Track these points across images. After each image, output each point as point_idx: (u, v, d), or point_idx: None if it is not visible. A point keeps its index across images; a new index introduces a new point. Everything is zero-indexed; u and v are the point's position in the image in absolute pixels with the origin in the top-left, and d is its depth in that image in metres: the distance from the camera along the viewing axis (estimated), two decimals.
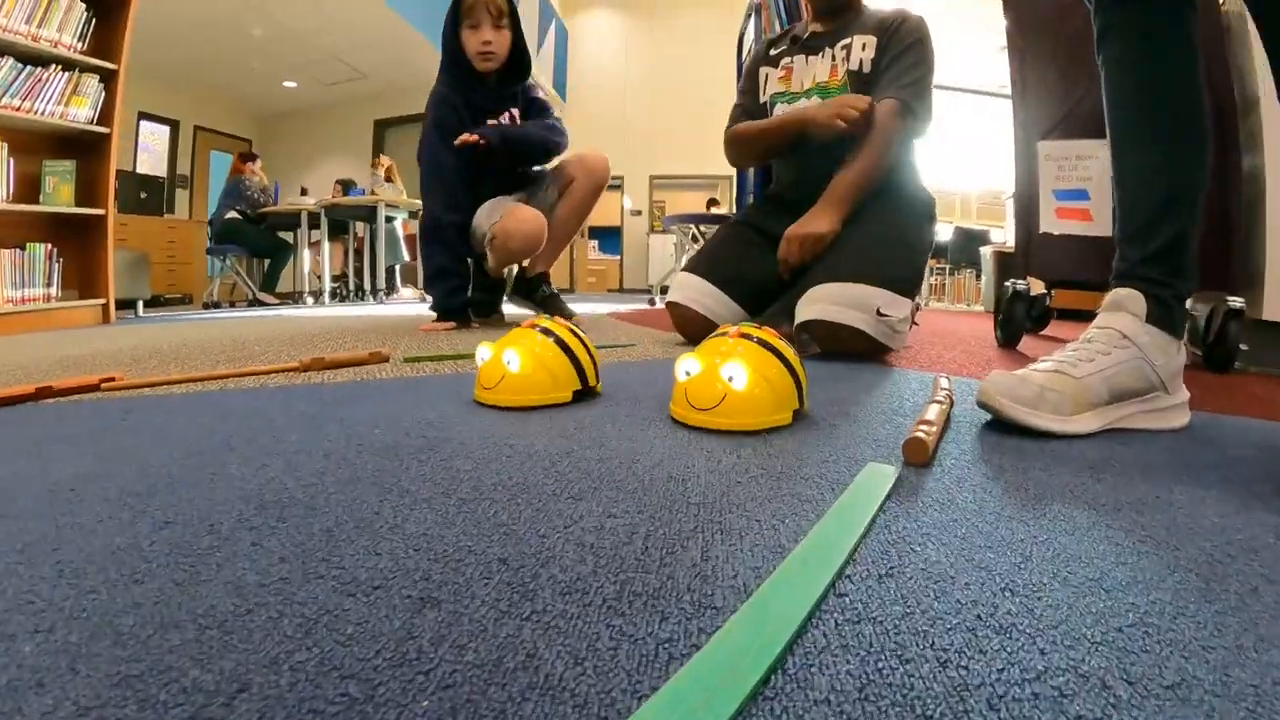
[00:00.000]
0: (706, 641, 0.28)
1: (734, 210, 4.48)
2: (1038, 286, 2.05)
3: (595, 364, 0.92)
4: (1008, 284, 1.89)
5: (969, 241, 5.34)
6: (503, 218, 1.99)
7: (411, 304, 4.71)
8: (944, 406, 0.75)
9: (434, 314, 2.13)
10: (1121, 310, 0.79)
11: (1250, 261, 1.49)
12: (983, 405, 0.75)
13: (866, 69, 1.54)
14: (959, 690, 0.26)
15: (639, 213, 9.75)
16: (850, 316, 1.27)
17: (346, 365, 1.21)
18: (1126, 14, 0.82)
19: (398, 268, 5.71)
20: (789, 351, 0.76)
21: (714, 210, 7.16)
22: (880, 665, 0.27)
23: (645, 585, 0.35)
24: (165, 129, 7.68)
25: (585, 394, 0.90)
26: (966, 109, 6.02)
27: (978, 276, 4.69)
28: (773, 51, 1.72)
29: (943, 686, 0.26)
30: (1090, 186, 1.83)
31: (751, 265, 1.56)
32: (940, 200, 1.69)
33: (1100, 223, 1.80)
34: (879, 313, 1.28)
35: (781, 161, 1.72)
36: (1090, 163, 1.81)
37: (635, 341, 1.68)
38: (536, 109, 2.15)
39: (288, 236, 5.89)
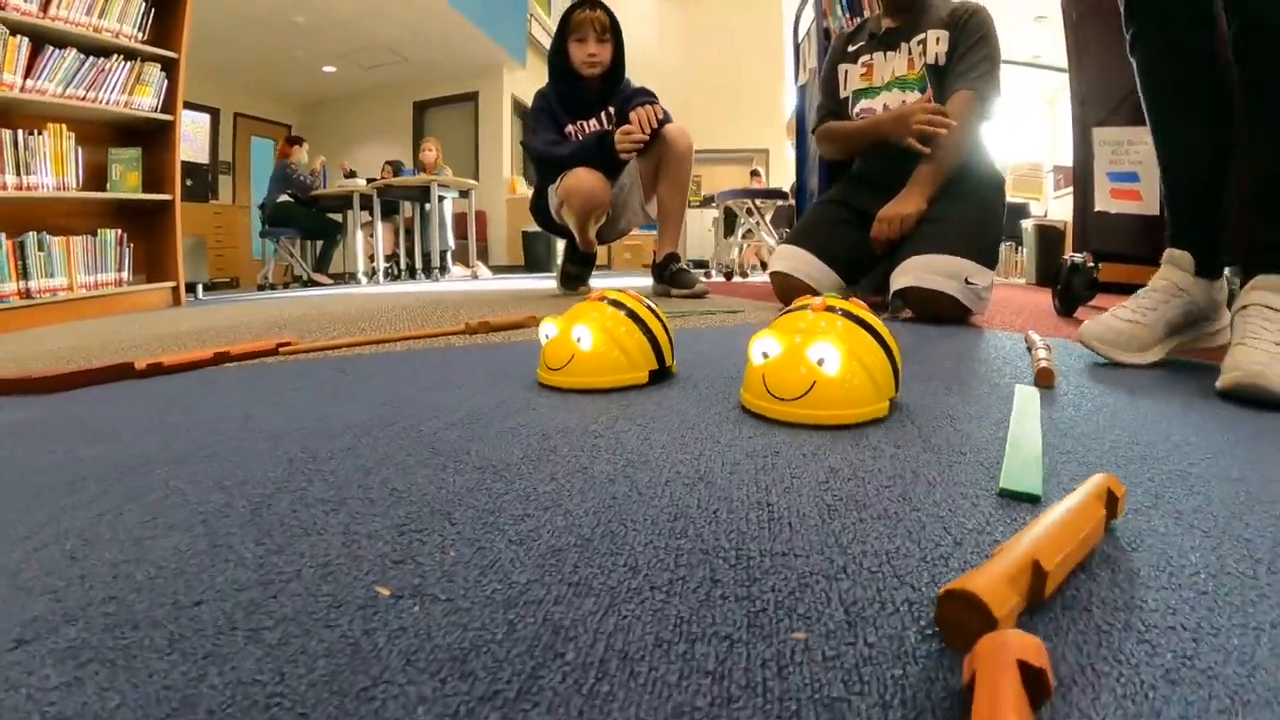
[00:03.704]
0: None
1: (789, 186, 4.60)
2: (1088, 260, 2.21)
3: (671, 341, 0.84)
4: (1066, 257, 2.06)
5: (1009, 215, 5.44)
6: (561, 179, 2.23)
7: (467, 282, 4.91)
8: (1049, 352, 0.95)
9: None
10: (1175, 266, 1.00)
11: None
12: (1083, 344, 0.98)
13: (941, 61, 1.71)
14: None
15: None
16: (942, 284, 1.45)
17: (506, 328, 1.40)
18: (1153, 25, 0.99)
19: (449, 252, 5.90)
20: (883, 328, 0.66)
21: (756, 183, 7.24)
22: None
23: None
24: (206, 117, 7.87)
25: (661, 374, 0.82)
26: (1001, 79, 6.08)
27: (1017, 249, 4.80)
28: (850, 48, 1.89)
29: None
30: (1141, 170, 1.99)
31: (845, 239, 1.74)
32: None
33: (1149, 202, 1.96)
34: (967, 281, 1.46)
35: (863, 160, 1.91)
36: (1141, 148, 1.97)
37: (741, 308, 1.88)
38: (634, 92, 2.34)
39: (337, 218, 6.12)
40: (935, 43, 1.72)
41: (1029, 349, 1.05)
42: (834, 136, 1.89)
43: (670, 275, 2.32)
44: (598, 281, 2.73)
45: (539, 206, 2.43)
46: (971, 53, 1.68)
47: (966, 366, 0.96)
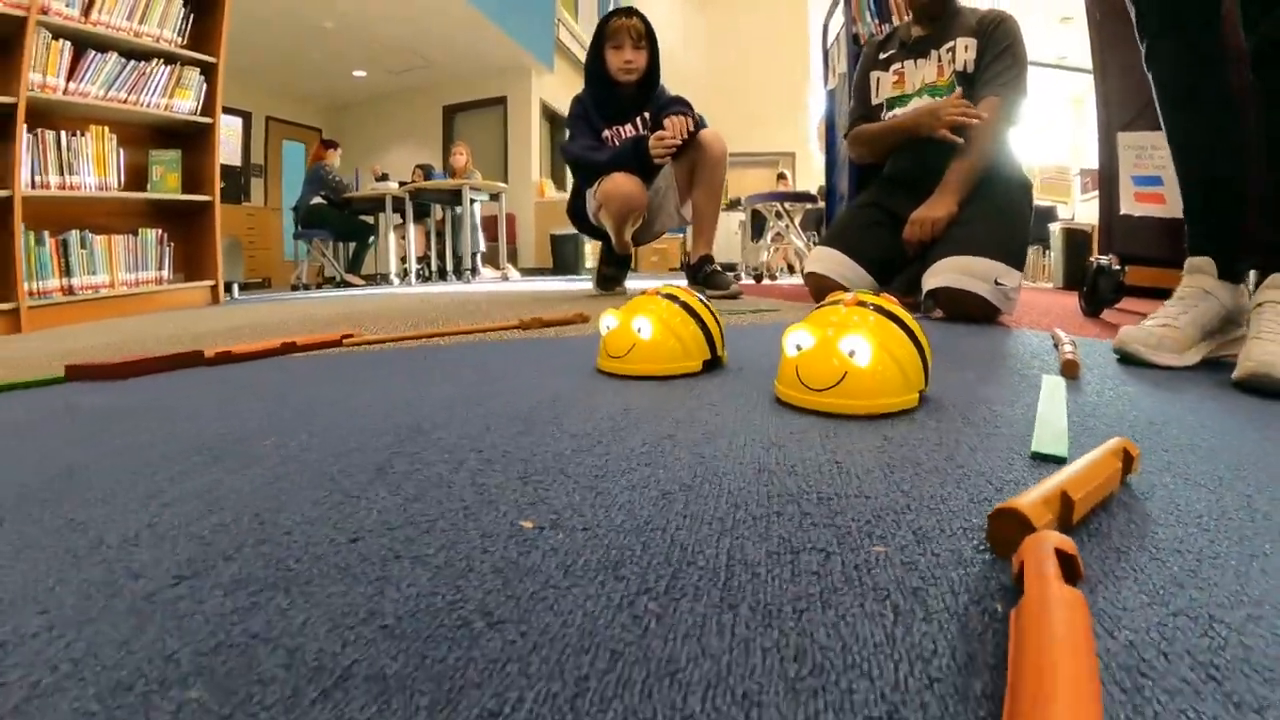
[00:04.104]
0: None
1: (816, 189, 4.66)
2: (1115, 263, 2.26)
3: (722, 333, 0.90)
4: (1093, 260, 2.11)
5: (1036, 219, 5.47)
6: (600, 184, 2.32)
7: (499, 284, 5.01)
8: (1075, 347, 1.01)
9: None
10: (1199, 273, 1.05)
11: None
12: (1120, 350, 1.01)
13: (970, 69, 1.77)
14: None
15: None
16: (973, 284, 1.52)
17: (558, 324, 1.48)
18: (1166, 33, 1.06)
19: (479, 254, 6.01)
20: (914, 322, 0.68)
21: (783, 186, 7.30)
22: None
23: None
24: (239, 120, 8.05)
25: (713, 364, 0.89)
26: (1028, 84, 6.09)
27: (1044, 253, 4.82)
28: (881, 56, 1.96)
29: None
30: (1164, 174, 2.03)
31: (878, 241, 1.81)
32: None
33: (1173, 206, 2.00)
34: (996, 281, 1.52)
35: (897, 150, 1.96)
36: (1164, 152, 1.99)
37: (777, 306, 1.95)
38: (670, 100, 2.42)
39: (369, 220, 6.25)
40: (964, 50, 1.78)
41: (1055, 345, 1.11)
42: (866, 138, 1.96)
43: (705, 276, 2.40)
44: (628, 284, 2.82)
45: (576, 209, 2.52)
46: (999, 60, 1.74)
47: (997, 360, 1.02)
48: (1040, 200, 6.11)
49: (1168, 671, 0.25)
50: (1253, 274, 1.07)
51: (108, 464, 0.54)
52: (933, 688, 0.24)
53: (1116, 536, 0.37)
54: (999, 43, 1.76)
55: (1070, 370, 0.86)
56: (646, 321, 0.82)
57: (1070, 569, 0.28)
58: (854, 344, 0.62)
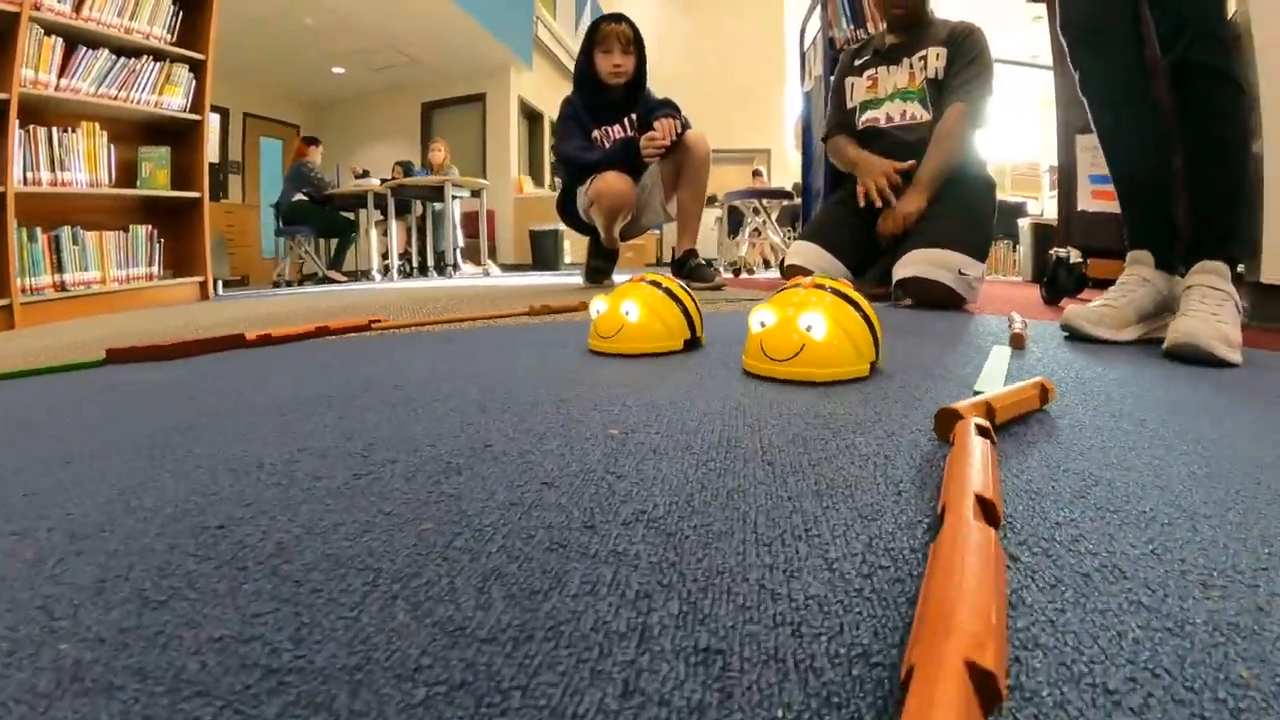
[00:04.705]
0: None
1: (792, 185, 4.81)
2: (1076, 256, 2.41)
3: (701, 316, 0.97)
4: (1053, 252, 2.25)
5: (1006, 214, 5.67)
6: (592, 182, 2.43)
7: (481, 279, 5.08)
8: (1024, 324, 1.13)
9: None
10: (1138, 263, 1.18)
11: (1252, 231, 1.83)
12: (1065, 325, 1.15)
13: (941, 76, 1.90)
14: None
15: None
16: (939, 274, 1.65)
17: (563, 311, 1.58)
18: (1096, 66, 1.20)
19: (459, 250, 6.07)
20: (865, 303, 0.75)
21: (758, 183, 7.46)
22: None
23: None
24: (216, 117, 8.02)
25: (693, 344, 0.96)
26: (1000, 80, 6.27)
27: (1014, 248, 4.99)
28: (856, 62, 2.09)
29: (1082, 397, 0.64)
30: None
31: (852, 235, 1.95)
32: None
33: None
34: (960, 272, 1.65)
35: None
36: None
37: (759, 296, 2.07)
38: (658, 103, 2.54)
39: (349, 216, 6.30)
40: (935, 59, 1.91)
41: (1010, 324, 1.23)
42: (838, 156, 2.11)
43: (690, 270, 2.52)
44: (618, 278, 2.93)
45: (566, 205, 2.63)
46: (967, 69, 1.87)
47: (956, 337, 1.15)
48: (1011, 196, 6.32)
49: (1054, 491, 0.39)
50: None
51: (215, 420, 0.61)
52: (900, 497, 0.38)
53: (1027, 434, 0.50)
54: (967, 54, 1.89)
55: (1017, 342, 0.98)
56: (634, 305, 0.89)
57: (989, 435, 0.39)
58: (811, 320, 0.70)
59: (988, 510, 0.28)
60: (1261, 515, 0.36)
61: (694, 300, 0.96)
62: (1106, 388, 0.70)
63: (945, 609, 0.20)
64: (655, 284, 0.94)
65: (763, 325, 0.74)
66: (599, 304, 0.93)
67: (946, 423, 0.45)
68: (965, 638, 0.18)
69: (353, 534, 0.34)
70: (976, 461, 0.33)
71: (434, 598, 0.28)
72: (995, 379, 0.68)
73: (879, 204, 1.85)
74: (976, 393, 0.61)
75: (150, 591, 0.29)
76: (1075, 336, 1.12)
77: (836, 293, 0.75)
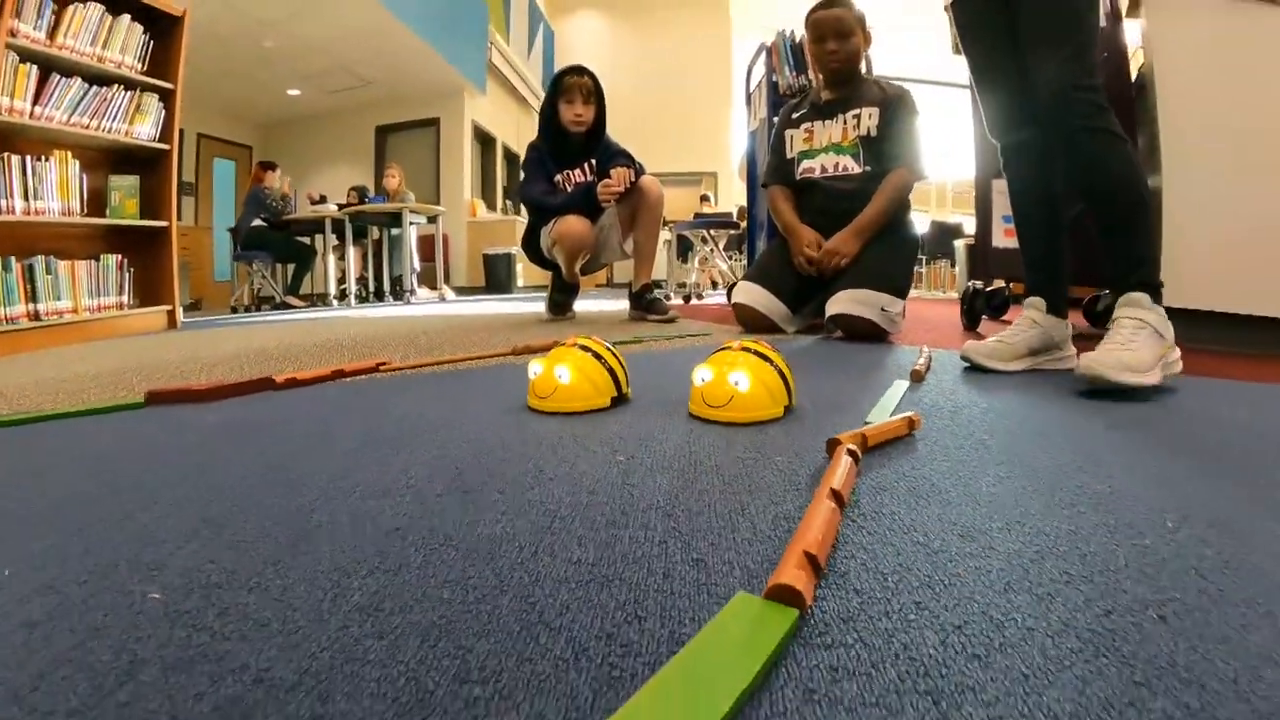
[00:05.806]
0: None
1: (737, 210, 5.09)
2: (999, 282, 2.70)
3: (626, 374, 1.06)
4: (969, 284, 2.52)
5: (943, 235, 6.07)
6: (554, 224, 2.65)
7: (438, 305, 5.22)
8: (926, 360, 1.36)
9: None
10: (1033, 309, 1.41)
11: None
12: (964, 356, 1.38)
13: (873, 134, 2.16)
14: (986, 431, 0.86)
15: None
16: (864, 311, 1.89)
17: (543, 350, 1.76)
18: (1017, 147, 1.44)
19: (415, 275, 6.17)
20: (780, 360, 0.95)
21: (706, 208, 7.77)
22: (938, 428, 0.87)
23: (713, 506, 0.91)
24: None
25: (620, 400, 1.04)
26: (936, 101, 6.68)
27: (953, 265, 5.33)
28: (794, 115, 2.33)
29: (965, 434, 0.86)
30: None
31: (792, 276, 2.19)
32: (916, 190, 2.30)
33: None
34: (883, 309, 1.90)
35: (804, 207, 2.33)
36: None
37: (709, 330, 2.29)
38: (615, 151, 2.79)
39: (306, 241, 6.36)
40: (868, 118, 2.17)
41: (918, 356, 1.46)
42: (774, 208, 2.35)
43: (647, 303, 2.76)
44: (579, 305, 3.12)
45: (531, 244, 2.84)
46: (904, 133, 2.14)
47: (872, 370, 1.38)
48: (950, 216, 6.68)
49: (894, 488, 0.60)
50: None
51: (305, 454, 0.75)
52: (796, 491, 0.59)
53: (892, 451, 0.72)
54: (899, 117, 2.16)
55: (915, 377, 1.21)
56: (565, 369, 0.99)
57: (839, 499, 0.60)
58: (738, 377, 0.89)
59: (837, 496, 0.49)
60: (1020, 498, 0.57)
61: (620, 361, 1.06)
62: (973, 416, 0.92)
63: (802, 532, 0.42)
64: (585, 348, 1.03)
65: (703, 380, 0.92)
66: (535, 366, 1.01)
67: (832, 446, 0.65)
68: (808, 543, 0.40)
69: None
70: (841, 471, 0.54)
71: None
72: (885, 411, 0.90)
73: (810, 273, 2.10)
74: (866, 423, 0.83)
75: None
76: (973, 367, 1.36)
77: (757, 354, 0.94)
